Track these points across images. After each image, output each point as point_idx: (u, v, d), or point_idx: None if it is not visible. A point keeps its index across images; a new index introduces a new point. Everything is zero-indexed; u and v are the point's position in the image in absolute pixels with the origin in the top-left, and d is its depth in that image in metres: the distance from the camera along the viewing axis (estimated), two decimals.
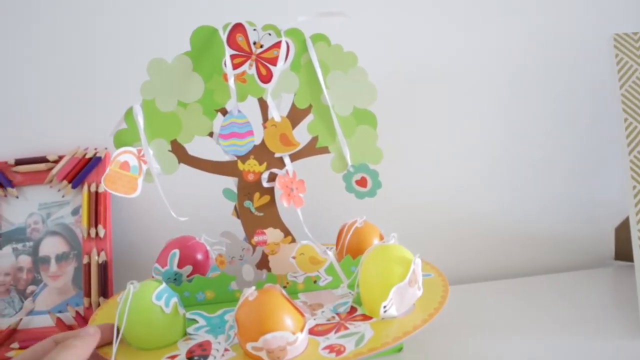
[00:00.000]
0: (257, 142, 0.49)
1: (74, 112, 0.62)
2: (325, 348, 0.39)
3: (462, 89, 0.66)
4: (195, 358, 0.39)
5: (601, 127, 0.68)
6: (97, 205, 0.59)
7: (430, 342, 0.48)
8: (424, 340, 0.48)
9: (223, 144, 0.48)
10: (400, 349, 0.47)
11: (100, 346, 0.40)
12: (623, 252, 0.66)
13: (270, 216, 0.49)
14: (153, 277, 0.50)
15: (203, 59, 0.46)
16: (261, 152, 0.49)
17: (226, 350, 0.39)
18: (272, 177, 0.49)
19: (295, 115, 0.49)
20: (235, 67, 0.47)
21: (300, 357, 0.38)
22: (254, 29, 0.46)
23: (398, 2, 0.64)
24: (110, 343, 0.40)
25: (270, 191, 0.49)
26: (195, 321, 0.45)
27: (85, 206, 0.59)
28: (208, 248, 0.54)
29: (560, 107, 0.68)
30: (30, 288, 0.58)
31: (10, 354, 0.54)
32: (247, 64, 0.47)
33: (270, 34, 0.47)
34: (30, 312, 0.57)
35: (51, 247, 0.59)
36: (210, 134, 0.48)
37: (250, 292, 0.38)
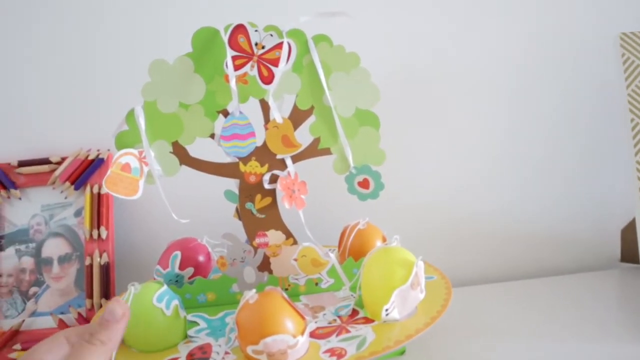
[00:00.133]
0: (259, 143, 0.48)
1: (76, 114, 0.62)
2: (326, 351, 0.38)
3: (462, 89, 0.66)
4: None
5: (603, 127, 0.68)
6: (99, 207, 0.59)
7: (433, 346, 0.47)
8: (427, 343, 0.47)
9: (224, 146, 0.48)
10: (402, 353, 0.46)
11: None
12: (629, 254, 0.65)
13: (272, 218, 0.49)
14: (155, 278, 0.50)
15: (204, 60, 0.46)
16: (263, 153, 0.48)
17: (227, 353, 0.39)
18: (274, 179, 0.49)
19: (297, 117, 0.48)
20: (236, 68, 0.46)
21: None
22: (256, 30, 0.46)
23: (398, 2, 0.64)
24: None
25: (272, 193, 0.49)
26: (196, 323, 0.45)
27: (87, 208, 0.59)
28: (210, 250, 0.53)
29: (561, 106, 0.67)
30: (33, 289, 0.58)
31: (12, 355, 0.54)
32: (248, 65, 0.47)
33: (272, 35, 0.46)
34: (33, 314, 0.57)
35: (54, 248, 0.59)
36: (212, 136, 0.48)
37: (250, 295, 0.38)
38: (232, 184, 0.50)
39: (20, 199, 0.60)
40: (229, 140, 0.48)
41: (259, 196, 0.49)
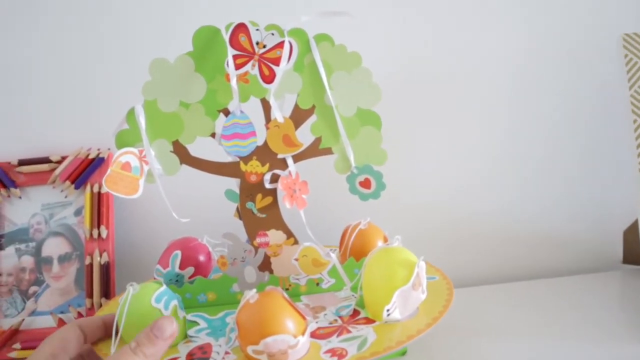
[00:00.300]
0: (260, 143, 0.48)
1: (76, 113, 0.62)
2: (327, 352, 0.38)
3: (462, 89, 0.66)
4: None
5: (603, 127, 0.68)
6: (99, 206, 0.59)
7: (434, 347, 0.47)
8: (428, 344, 0.47)
9: (225, 145, 0.48)
10: (403, 353, 0.46)
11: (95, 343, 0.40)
12: (631, 256, 0.65)
13: (273, 218, 0.49)
14: (155, 278, 0.50)
15: (205, 59, 0.46)
16: (264, 153, 0.48)
17: (227, 353, 0.39)
18: (275, 178, 0.48)
19: (299, 116, 0.48)
20: (237, 67, 0.46)
21: None
22: (257, 29, 0.46)
23: (399, 2, 0.63)
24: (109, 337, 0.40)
25: (273, 192, 0.49)
26: (196, 323, 0.45)
27: (87, 207, 0.59)
28: (210, 249, 0.53)
29: (561, 106, 0.67)
30: (33, 288, 0.58)
31: (12, 354, 0.54)
32: (249, 64, 0.47)
33: (273, 34, 0.46)
34: (33, 313, 0.57)
35: (54, 247, 0.59)
36: (213, 135, 0.48)
37: (251, 295, 0.37)
38: (233, 184, 0.49)
39: (20, 198, 0.60)
40: (229, 140, 0.47)
41: (259, 196, 0.49)
